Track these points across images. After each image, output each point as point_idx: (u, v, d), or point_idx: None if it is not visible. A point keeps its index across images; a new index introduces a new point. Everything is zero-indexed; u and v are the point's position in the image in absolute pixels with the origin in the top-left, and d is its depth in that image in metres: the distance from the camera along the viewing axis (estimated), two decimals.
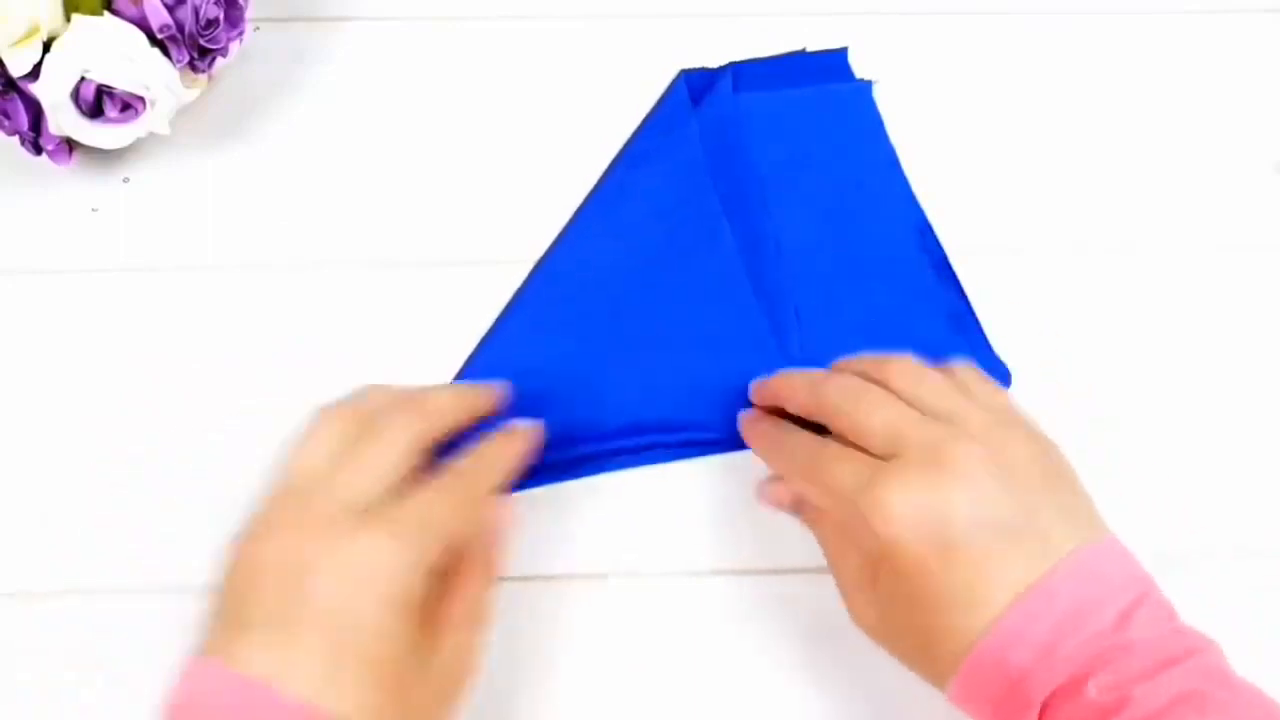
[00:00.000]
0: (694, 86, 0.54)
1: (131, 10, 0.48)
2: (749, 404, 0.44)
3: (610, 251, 0.50)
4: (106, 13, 0.48)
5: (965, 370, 0.38)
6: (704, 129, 0.53)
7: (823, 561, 0.38)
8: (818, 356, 0.46)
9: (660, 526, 0.45)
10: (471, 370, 0.47)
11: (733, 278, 0.49)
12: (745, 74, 0.55)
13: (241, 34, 0.52)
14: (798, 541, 0.41)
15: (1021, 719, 0.31)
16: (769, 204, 0.51)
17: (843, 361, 0.40)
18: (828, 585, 0.38)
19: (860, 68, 0.56)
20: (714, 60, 0.56)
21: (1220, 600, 0.43)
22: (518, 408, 0.45)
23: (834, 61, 0.57)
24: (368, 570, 0.28)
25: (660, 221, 0.50)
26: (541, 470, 0.44)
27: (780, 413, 0.40)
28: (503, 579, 0.36)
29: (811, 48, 0.57)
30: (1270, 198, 0.53)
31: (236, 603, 0.29)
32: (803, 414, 0.39)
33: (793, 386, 0.39)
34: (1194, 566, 0.44)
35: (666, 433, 0.46)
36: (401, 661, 0.28)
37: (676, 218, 0.50)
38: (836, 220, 0.51)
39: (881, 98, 0.55)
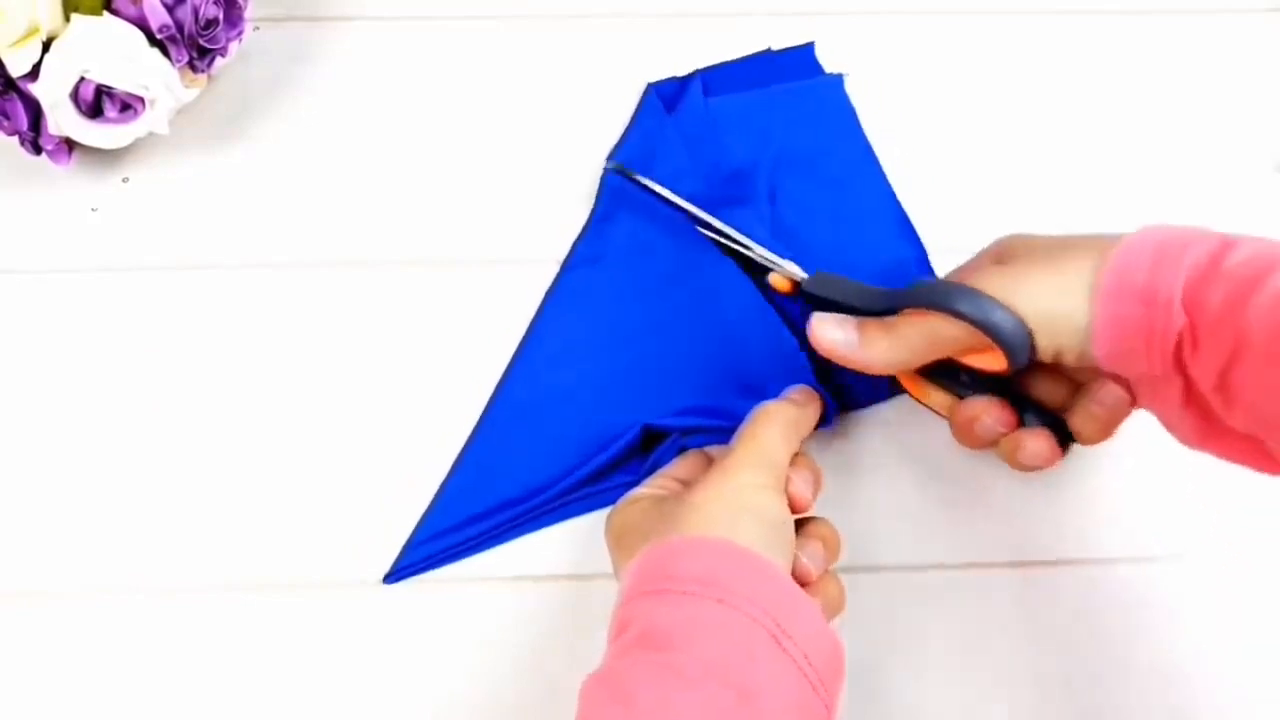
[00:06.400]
0: (664, 96, 0.54)
1: (131, 10, 0.48)
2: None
3: (611, 282, 0.49)
4: (106, 13, 0.48)
5: None
6: (682, 135, 0.52)
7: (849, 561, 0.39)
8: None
9: None
10: (497, 409, 0.47)
11: (738, 282, 0.49)
12: (713, 79, 0.55)
13: (241, 34, 0.52)
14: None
15: (1166, 324, 0.35)
16: (759, 200, 0.51)
17: None
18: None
19: (841, 68, 0.56)
20: (712, 59, 0.56)
21: (1234, 586, 0.44)
22: (544, 433, 0.46)
23: (802, 58, 0.57)
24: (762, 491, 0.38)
25: (652, 250, 0.50)
26: (585, 492, 0.45)
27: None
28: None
29: (781, 47, 0.57)
30: (1270, 198, 0.53)
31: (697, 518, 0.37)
32: None
33: None
34: (1195, 557, 0.44)
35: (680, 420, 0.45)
36: (791, 536, 0.38)
37: (665, 241, 0.50)
38: (820, 214, 0.51)
39: (884, 98, 0.55)
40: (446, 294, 0.49)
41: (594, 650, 0.39)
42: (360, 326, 0.49)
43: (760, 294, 0.48)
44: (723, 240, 0.48)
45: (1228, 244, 0.35)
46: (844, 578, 0.42)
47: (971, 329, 0.38)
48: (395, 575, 0.43)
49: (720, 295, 0.48)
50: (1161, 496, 0.45)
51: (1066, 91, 0.56)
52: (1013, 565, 0.44)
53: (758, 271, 0.47)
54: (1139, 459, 0.46)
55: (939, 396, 0.43)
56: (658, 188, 0.49)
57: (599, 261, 0.50)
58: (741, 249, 0.48)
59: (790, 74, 0.56)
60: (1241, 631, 0.43)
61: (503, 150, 0.54)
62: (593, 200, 0.52)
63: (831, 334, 0.41)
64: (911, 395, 0.44)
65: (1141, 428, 0.46)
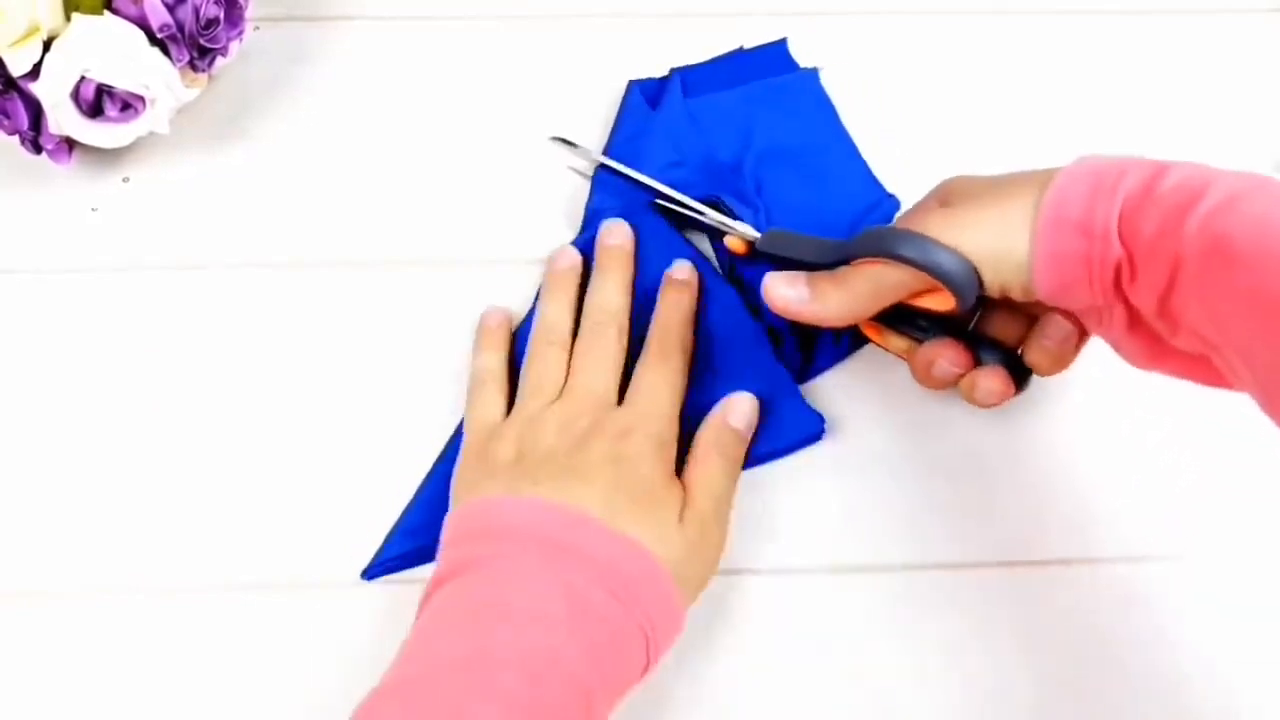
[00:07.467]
0: (646, 95, 0.54)
1: (131, 9, 0.48)
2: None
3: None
4: (106, 12, 0.48)
5: None
6: (666, 132, 0.52)
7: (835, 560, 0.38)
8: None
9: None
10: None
11: (724, 302, 0.48)
12: (690, 79, 0.55)
13: (241, 33, 0.52)
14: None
15: (1104, 255, 0.35)
16: (746, 195, 0.51)
17: None
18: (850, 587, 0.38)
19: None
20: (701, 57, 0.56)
21: (1233, 587, 0.44)
22: None
23: (775, 54, 0.56)
24: (655, 459, 0.39)
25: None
26: None
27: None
28: None
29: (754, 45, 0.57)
30: None
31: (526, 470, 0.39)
32: None
33: None
34: (1193, 558, 0.44)
35: None
36: (666, 505, 0.39)
37: (650, 257, 0.49)
38: (806, 204, 0.51)
39: (885, 98, 0.55)
40: (446, 294, 0.49)
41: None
42: (360, 326, 0.49)
43: (738, 297, 0.48)
44: (679, 209, 0.49)
45: (1161, 170, 0.36)
46: (843, 578, 0.42)
47: (917, 272, 0.39)
48: (373, 571, 0.43)
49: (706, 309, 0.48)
50: (1160, 496, 0.45)
51: (1066, 91, 0.56)
52: (1011, 565, 0.44)
53: (713, 236, 0.48)
54: (1138, 459, 0.46)
55: (898, 341, 0.45)
56: (643, 177, 0.49)
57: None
58: (695, 215, 0.48)
59: (765, 70, 0.56)
60: (1241, 632, 0.43)
61: (503, 150, 0.54)
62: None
63: (784, 291, 0.42)
64: (873, 341, 0.46)
65: (1141, 428, 0.47)
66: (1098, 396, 0.47)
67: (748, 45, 0.57)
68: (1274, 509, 0.45)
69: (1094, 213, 0.36)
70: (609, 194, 0.51)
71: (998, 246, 0.38)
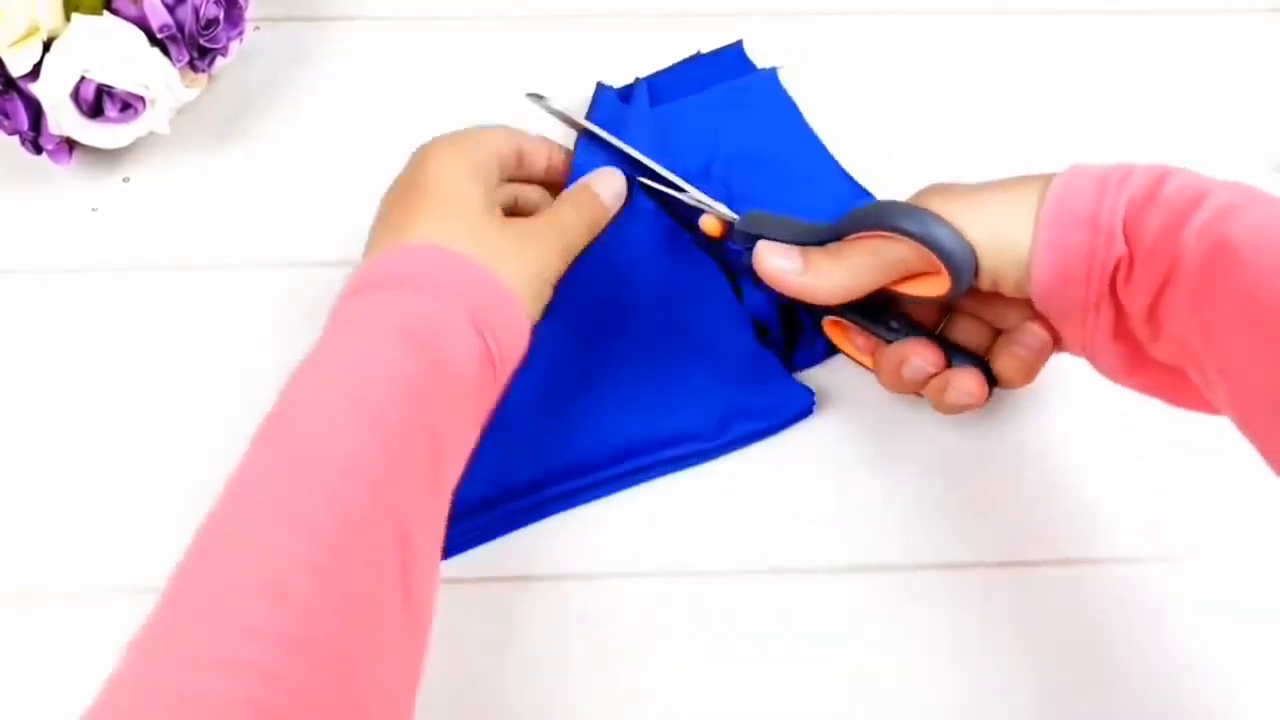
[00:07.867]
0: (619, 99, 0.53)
1: (131, 10, 0.48)
2: (737, 408, 0.45)
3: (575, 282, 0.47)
4: (106, 12, 0.48)
5: None
6: (635, 140, 0.51)
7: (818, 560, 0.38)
8: None
9: (686, 525, 0.45)
10: None
11: (708, 280, 0.48)
12: (653, 87, 0.54)
13: (241, 33, 0.52)
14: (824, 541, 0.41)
15: (1108, 251, 0.35)
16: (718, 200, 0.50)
17: None
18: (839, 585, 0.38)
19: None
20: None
21: (1234, 587, 0.44)
22: (511, 446, 0.44)
23: (733, 57, 0.56)
24: (446, 165, 0.41)
25: (620, 245, 0.48)
26: (538, 506, 0.44)
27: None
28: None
29: (754, 47, 0.57)
30: None
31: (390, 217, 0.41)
32: None
33: None
34: (1194, 558, 0.44)
35: (659, 450, 0.45)
36: (480, 213, 0.40)
37: (634, 235, 0.49)
38: (779, 204, 0.51)
39: (883, 99, 0.55)
40: None
41: (592, 650, 0.39)
42: None
43: (724, 278, 0.48)
44: (657, 186, 0.47)
45: (1164, 174, 0.36)
46: (843, 578, 0.42)
47: (918, 248, 0.38)
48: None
49: (687, 299, 0.48)
50: (1161, 497, 0.45)
51: (1065, 92, 0.56)
52: (1011, 565, 0.44)
53: (690, 216, 0.47)
54: (1138, 459, 0.46)
55: (864, 342, 0.44)
56: (620, 143, 0.47)
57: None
58: (674, 192, 0.46)
59: (724, 74, 0.56)
60: (1241, 633, 0.43)
61: None
62: None
63: (777, 262, 0.41)
64: (836, 344, 0.45)
65: (1139, 430, 0.46)
66: (1095, 398, 0.47)
67: (747, 47, 0.56)
68: (1270, 511, 0.45)
69: (1100, 208, 0.35)
70: (592, 157, 0.48)
71: (998, 234, 0.37)
